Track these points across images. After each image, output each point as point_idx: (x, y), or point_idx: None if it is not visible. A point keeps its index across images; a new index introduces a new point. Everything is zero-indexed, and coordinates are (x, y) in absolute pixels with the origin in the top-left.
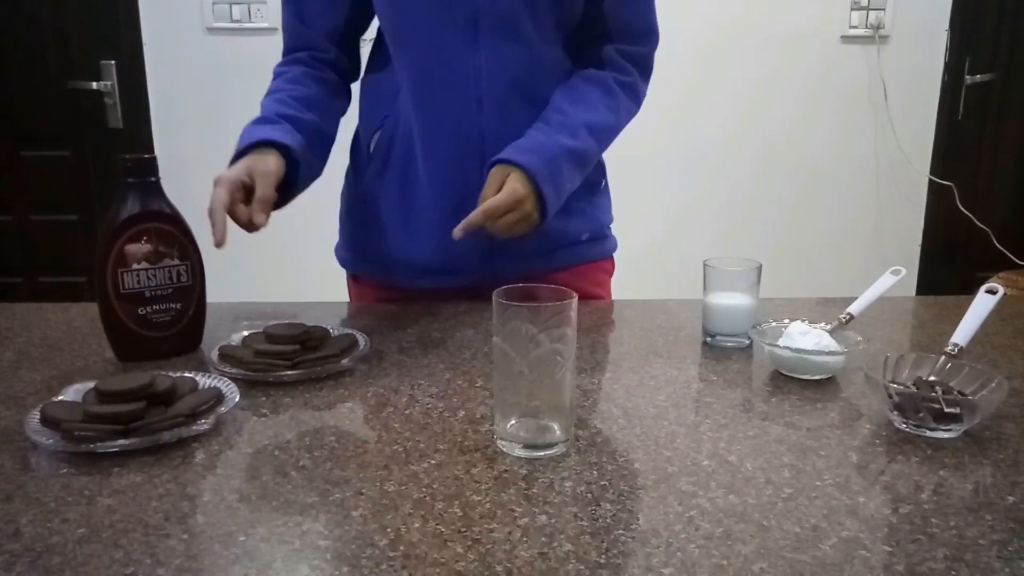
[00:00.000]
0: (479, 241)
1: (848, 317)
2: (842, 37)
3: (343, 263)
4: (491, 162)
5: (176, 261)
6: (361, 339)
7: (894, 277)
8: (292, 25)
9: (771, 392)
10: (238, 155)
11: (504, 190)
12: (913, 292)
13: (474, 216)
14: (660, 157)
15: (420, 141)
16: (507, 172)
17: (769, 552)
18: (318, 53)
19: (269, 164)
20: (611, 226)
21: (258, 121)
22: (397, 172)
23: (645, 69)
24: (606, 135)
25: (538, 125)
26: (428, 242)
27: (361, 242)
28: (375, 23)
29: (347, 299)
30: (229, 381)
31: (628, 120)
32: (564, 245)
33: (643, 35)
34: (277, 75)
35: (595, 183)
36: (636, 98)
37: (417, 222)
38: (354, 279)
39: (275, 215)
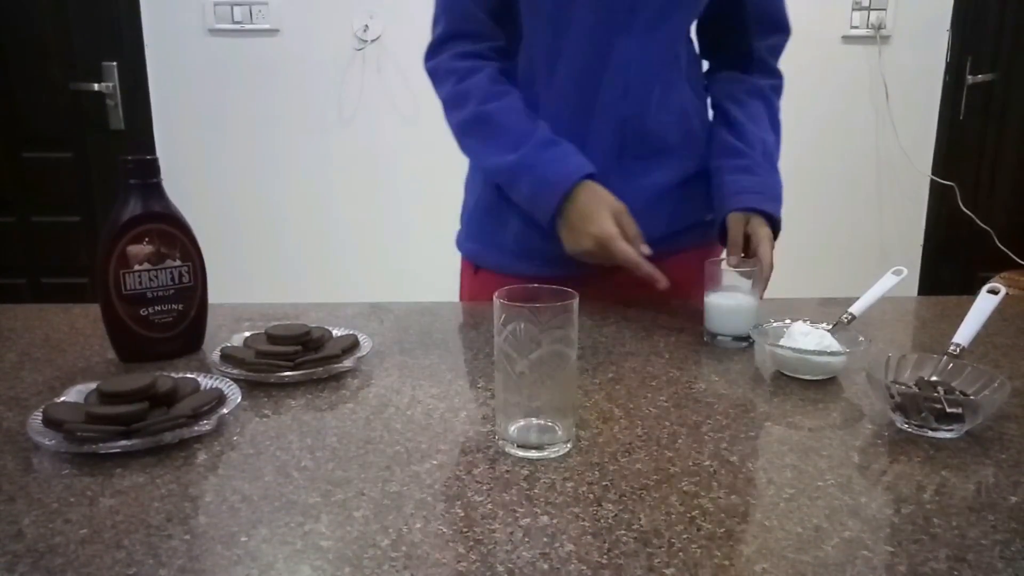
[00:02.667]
0: None
1: (850, 317)
2: (843, 37)
3: (467, 254)
4: (730, 208)
5: (178, 262)
6: (363, 340)
7: (896, 277)
8: (459, 3)
9: (773, 392)
10: (561, 192)
11: (764, 242)
12: (915, 292)
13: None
14: None
15: (564, 129)
16: (748, 217)
17: (771, 552)
18: (494, 44)
19: (610, 197)
20: None
21: (543, 146)
22: None
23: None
24: (777, 155)
25: (752, 157)
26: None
27: (489, 233)
28: None
29: (351, 300)
30: (231, 382)
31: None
32: (687, 228)
33: (780, 27)
34: (470, 71)
35: None
36: (780, 99)
37: None
38: (475, 270)
39: (273, 219)
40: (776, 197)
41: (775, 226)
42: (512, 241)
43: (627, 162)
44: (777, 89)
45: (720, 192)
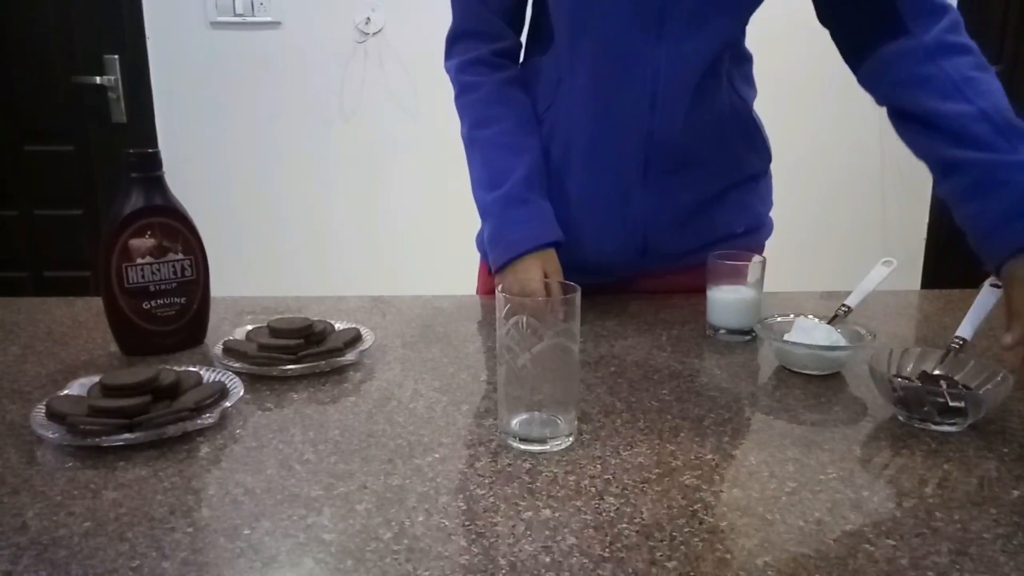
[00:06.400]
0: (633, 240)
1: (846, 310)
2: None
3: (484, 255)
4: (997, 256)
5: (180, 255)
6: (365, 333)
7: (886, 268)
8: (470, 4)
9: (775, 386)
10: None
11: None
12: (918, 285)
13: None
14: None
15: (584, 137)
16: None
17: (773, 546)
18: (498, 46)
19: (555, 261)
20: (770, 212)
21: (508, 202)
22: (554, 168)
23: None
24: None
25: (979, 164)
26: (581, 242)
27: None
28: None
29: (353, 294)
30: (233, 375)
31: None
32: (720, 239)
33: (941, 9)
34: (470, 87)
35: (760, 173)
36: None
37: (571, 221)
38: (490, 271)
39: (275, 212)
40: None
41: None
42: None
43: (654, 177)
44: (957, 26)
45: (970, 231)
